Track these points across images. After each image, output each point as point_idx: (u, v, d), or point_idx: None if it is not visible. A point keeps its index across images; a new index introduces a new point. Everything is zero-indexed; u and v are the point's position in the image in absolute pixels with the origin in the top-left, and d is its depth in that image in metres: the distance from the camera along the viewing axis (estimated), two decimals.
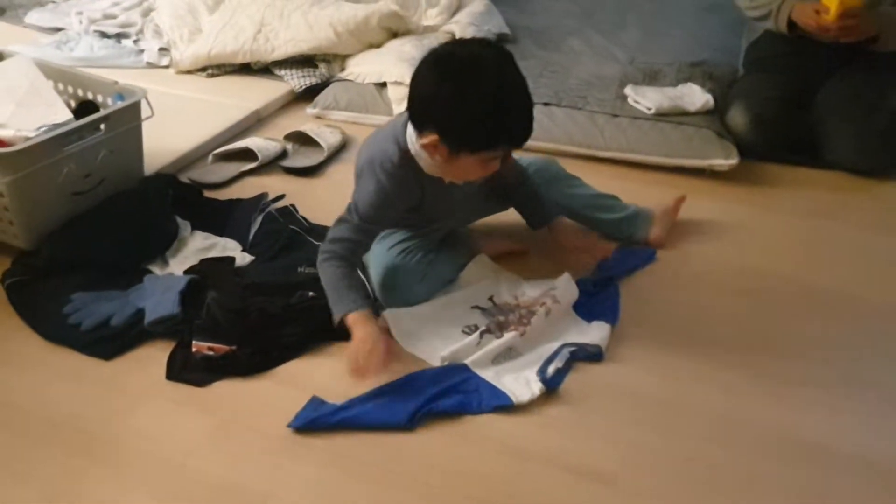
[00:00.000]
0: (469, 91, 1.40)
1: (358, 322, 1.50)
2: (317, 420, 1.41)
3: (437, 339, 1.59)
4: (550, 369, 1.51)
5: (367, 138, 1.70)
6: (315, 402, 1.45)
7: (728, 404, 1.48)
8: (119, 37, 2.84)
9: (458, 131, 1.44)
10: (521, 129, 1.47)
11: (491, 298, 1.70)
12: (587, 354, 1.57)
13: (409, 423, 1.41)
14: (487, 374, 1.51)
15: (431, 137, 1.46)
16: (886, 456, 1.39)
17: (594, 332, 1.62)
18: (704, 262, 1.88)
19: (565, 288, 1.68)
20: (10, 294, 1.68)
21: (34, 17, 3.06)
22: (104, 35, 2.84)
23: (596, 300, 1.71)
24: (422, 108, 1.47)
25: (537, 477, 1.34)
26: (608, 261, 1.84)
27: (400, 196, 1.57)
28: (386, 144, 1.56)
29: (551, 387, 1.49)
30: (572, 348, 1.56)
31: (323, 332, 1.59)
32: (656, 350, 1.61)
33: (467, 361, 1.53)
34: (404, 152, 1.54)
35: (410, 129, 1.52)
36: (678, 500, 1.31)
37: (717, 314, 1.72)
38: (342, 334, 1.59)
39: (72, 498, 1.29)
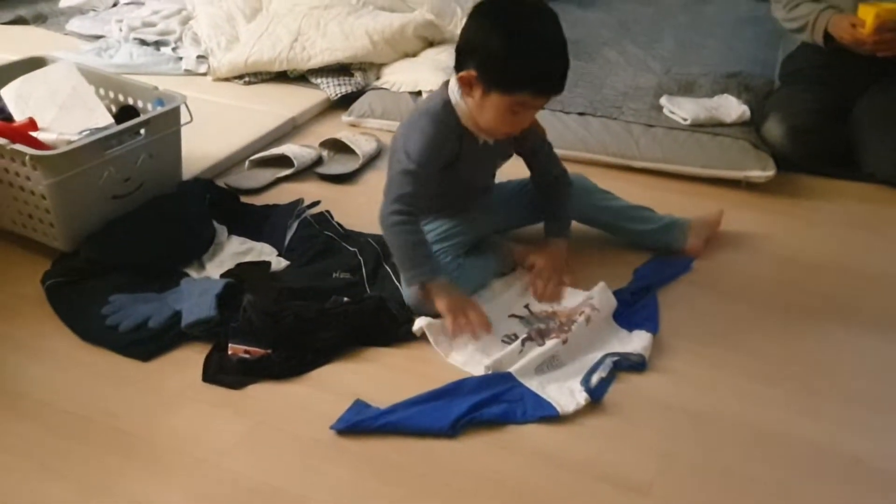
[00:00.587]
0: (507, 28, 1.51)
1: (443, 288, 1.60)
2: (360, 423, 1.42)
3: (476, 350, 1.59)
4: (594, 379, 1.50)
5: (396, 131, 1.76)
6: (359, 406, 1.45)
7: (765, 417, 1.46)
8: (158, 44, 2.88)
9: (491, 65, 1.52)
10: (551, 76, 1.54)
11: (526, 306, 1.70)
12: (630, 364, 1.56)
13: (452, 430, 1.41)
14: (532, 384, 1.50)
15: (469, 72, 1.54)
16: None
17: (636, 342, 1.61)
18: (741, 273, 1.87)
19: (602, 296, 1.67)
20: (49, 295, 1.70)
21: (75, 24, 3.11)
22: (143, 42, 2.89)
23: (634, 309, 1.70)
24: (464, 46, 1.57)
25: (571, 485, 1.32)
26: (644, 269, 1.83)
27: (443, 139, 1.62)
28: (430, 100, 1.70)
29: (596, 397, 1.48)
30: (615, 358, 1.55)
31: (357, 337, 1.59)
32: (695, 361, 1.59)
33: (512, 370, 1.52)
34: (446, 102, 1.63)
35: (453, 80, 1.62)
36: None
37: (754, 326, 1.70)
38: (376, 340, 1.61)
39: (106, 495, 1.30)
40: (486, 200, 1.84)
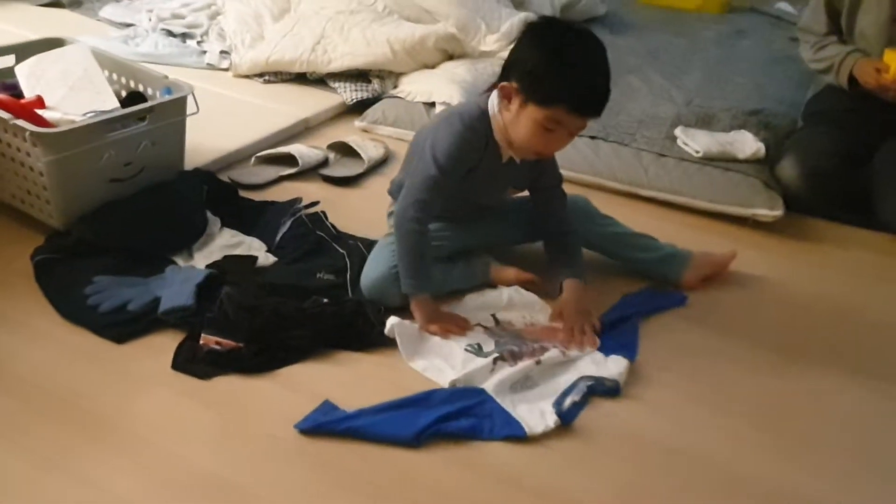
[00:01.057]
0: (550, 45, 1.55)
1: (422, 304, 1.65)
2: (325, 425, 1.41)
3: (438, 357, 1.58)
4: (567, 402, 1.48)
5: (422, 127, 1.83)
6: (327, 407, 1.44)
7: (734, 458, 1.43)
8: (184, 36, 2.92)
9: (530, 76, 1.55)
10: (587, 93, 1.54)
11: (493, 315, 1.69)
12: (605, 389, 1.53)
13: (416, 440, 1.39)
14: (504, 401, 1.48)
15: (510, 84, 1.57)
16: None
17: (612, 367, 1.58)
18: (735, 311, 1.83)
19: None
20: (37, 271, 1.72)
21: (108, 11, 3.17)
22: (170, 34, 2.93)
23: (613, 335, 1.68)
24: (509, 61, 1.61)
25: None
26: (633, 298, 1.80)
27: (471, 142, 1.65)
28: (467, 104, 1.75)
29: (566, 421, 1.45)
30: (590, 382, 1.53)
31: (331, 339, 1.59)
32: (671, 394, 1.56)
33: (484, 386, 1.51)
34: (483, 111, 1.66)
35: (496, 92, 1.64)
36: None
37: (739, 366, 1.66)
38: (350, 343, 1.61)
39: (60, 471, 1.31)
40: (483, 215, 1.83)
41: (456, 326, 1.64)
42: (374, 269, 1.70)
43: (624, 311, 1.75)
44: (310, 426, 1.41)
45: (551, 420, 1.45)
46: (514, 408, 1.47)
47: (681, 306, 1.83)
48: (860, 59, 2.23)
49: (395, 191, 1.81)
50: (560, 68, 1.52)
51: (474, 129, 1.64)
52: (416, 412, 1.45)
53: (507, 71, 1.60)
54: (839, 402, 1.59)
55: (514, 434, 1.43)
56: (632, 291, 1.84)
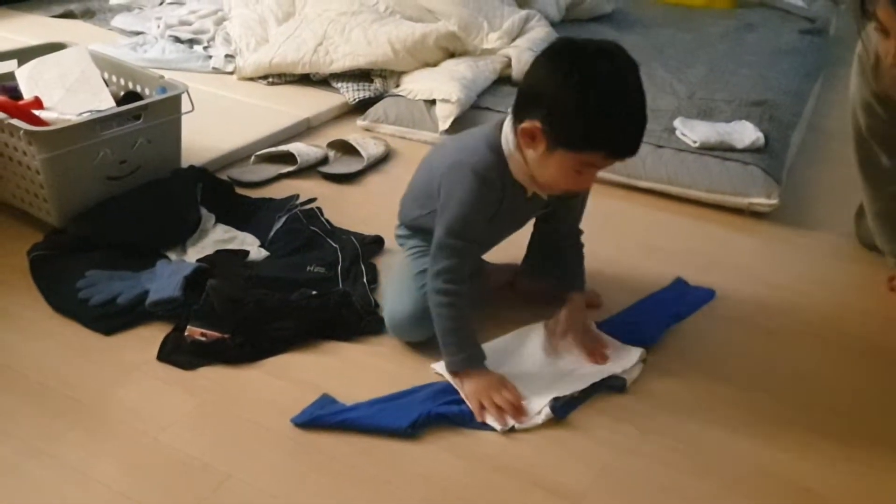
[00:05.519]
0: (583, 81, 1.33)
1: (470, 374, 1.47)
2: (321, 418, 1.41)
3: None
4: (566, 397, 1.47)
5: (432, 152, 1.67)
6: (324, 400, 1.45)
7: (743, 453, 1.41)
8: (191, 42, 2.97)
9: (561, 120, 1.35)
10: (627, 139, 1.37)
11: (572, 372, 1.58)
12: (609, 386, 1.51)
13: (411, 429, 1.39)
14: None
15: (534, 124, 1.38)
16: None
17: (624, 356, 1.57)
18: (738, 302, 1.80)
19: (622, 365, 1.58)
20: (32, 266, 1.75)
21: (119, 20, 3.24)
22: (178, 40, 2.98)
23: (630, 329, 1.66)
24: (531, 93, 1.41)
25: (503, 490, 1.30)
26: (662, 294, 1.78)
27: (488, 201, 1.48)
28: (476, 147, 1.50)
29: (560, 416, 1.44)
30: (595, 380, 1.51)
31: (318, 329, 1.60)
32: (679, 388, 1.54)
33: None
34: (497, 154, 1.47)
35: (507, 125, 1.47)
36: None
37: (747, 356, 1.64)
38: (337, 333, 1.61)
39: (44, 456, 1.33)
40: None
41: (512, 408, 1.43)
42: (400, 305, 1.57)
43: (653, 313, 1.72)
44: (305, 419, 1.40)
45: (544, 413, 1.43)
46: None
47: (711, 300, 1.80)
48: None
49: (404, 211, 1.69)
50: (594, 113, 1.32)
51: (489, 181, 1.46)
52: (410, 402, 1.45)
53: (527, 106, 1.40)
54: (837, 390, 1.57)
55: None
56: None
